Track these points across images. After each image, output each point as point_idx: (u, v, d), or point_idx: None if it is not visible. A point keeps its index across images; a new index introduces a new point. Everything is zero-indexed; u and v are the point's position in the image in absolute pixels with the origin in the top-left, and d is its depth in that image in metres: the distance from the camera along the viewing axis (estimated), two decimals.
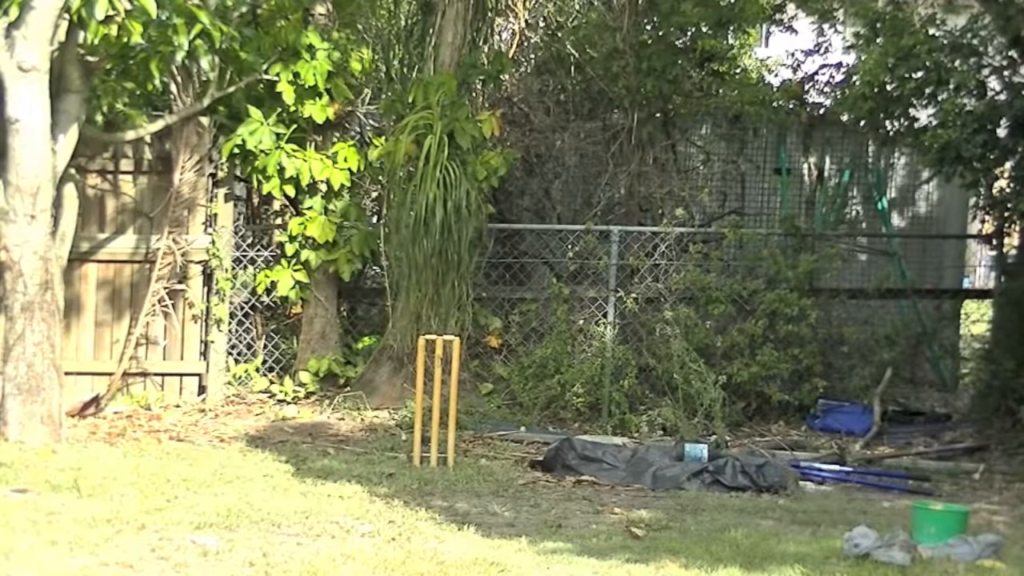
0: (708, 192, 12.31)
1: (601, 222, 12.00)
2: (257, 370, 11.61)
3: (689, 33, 12.91)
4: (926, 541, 6.91)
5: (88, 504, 7.31)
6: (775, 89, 13.16)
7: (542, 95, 13.10)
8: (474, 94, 12.39)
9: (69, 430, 9.46)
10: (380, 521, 7.23)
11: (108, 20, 8.88)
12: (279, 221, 11.96)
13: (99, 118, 10.53)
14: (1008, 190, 10.53)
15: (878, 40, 10.41)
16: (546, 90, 13.19)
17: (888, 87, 10.29)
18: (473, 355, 11.55)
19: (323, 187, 11.47)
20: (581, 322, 11.50)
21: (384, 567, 6.23)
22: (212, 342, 11.32)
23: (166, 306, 11.10)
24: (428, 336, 9.49)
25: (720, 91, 12.84)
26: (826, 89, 13.04)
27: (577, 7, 14.02)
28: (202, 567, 6.18)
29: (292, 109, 11.24)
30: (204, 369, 11.33)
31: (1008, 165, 10.41)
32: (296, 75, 11.14)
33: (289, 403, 11.26)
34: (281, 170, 11.21)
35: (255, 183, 11.51)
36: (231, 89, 10.95)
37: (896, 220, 13.84)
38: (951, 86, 10.17)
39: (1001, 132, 10.14)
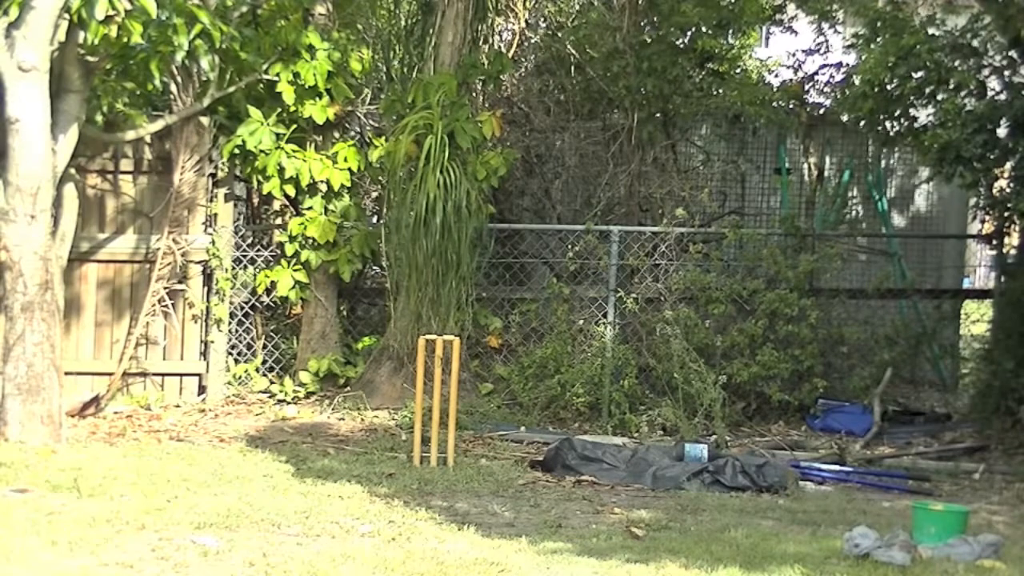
0: (708, 192, 12.29)
1: (601, 222, 11.99)
2: (257, 370, 11.61)
3: (689, 33, 12.91)
4: (926, 541, 6.91)
5: (88, 504, 7.31)
6: (775, 89, 13.16)
7: (542, 95, 13.10)
8: (474, 94, 12.38)
9: (69, 430, 9.46)
10: (380, 521, 7.22)
11: (108, 20, 8.89)
12: (279, 221, 11.95)
13: (99, 118, 10.54)
14: (1008, 190, 10.53)
15: (878, 40, 10.43)
16: (546, 90, 13.20)
17: (888, 87, 10.30)
18: (473, 355, 11.55)
19: (323, 187, 11.47)
20: (581, 322, 11.50)
21: (384, 567, 6.23)
22: (212, 342, 11.33)
23: (166, 306, 11.11)
24: (428, 336, 9.49)
25: (720, 91, 12.85)
26: (826, 89, 13.04)
27: (577, 7, 14.01)
28: (202, 567, 6.18)
29: (292, 109, 11.25)
30: (204, 369, 11.33)
31: (1008, 165, 10.41)
32: (296, 75, 11.15)
33: (289, 403, 11.26)
34: (281, 170, 11.22)
35: (255, 183, 11.53)
36: (231, 89, 10.95)
37: (896, 220, 13.85)
38: (951, 86, 10.18)
39: (1001, 132, 10.15)
